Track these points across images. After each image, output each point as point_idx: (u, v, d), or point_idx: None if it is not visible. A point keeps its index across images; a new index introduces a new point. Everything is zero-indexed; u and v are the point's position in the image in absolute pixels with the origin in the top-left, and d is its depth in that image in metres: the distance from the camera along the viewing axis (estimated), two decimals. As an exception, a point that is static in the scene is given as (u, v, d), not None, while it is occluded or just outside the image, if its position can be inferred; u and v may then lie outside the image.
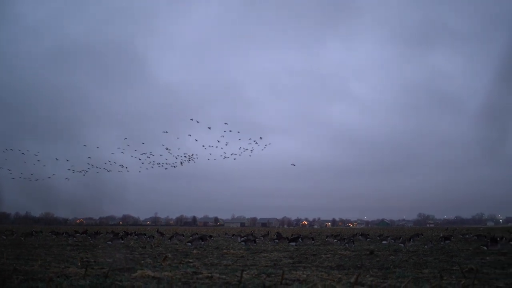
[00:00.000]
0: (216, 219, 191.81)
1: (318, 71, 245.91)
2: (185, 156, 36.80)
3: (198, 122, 35.21)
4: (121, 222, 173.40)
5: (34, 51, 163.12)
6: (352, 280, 8.24)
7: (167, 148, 36.21)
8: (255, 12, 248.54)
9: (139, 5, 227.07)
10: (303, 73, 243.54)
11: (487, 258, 14.31)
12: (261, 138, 37.56)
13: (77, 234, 29.80)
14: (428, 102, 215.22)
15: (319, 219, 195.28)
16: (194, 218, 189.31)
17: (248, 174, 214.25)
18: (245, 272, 9.56)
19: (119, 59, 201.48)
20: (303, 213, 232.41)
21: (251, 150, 37.23)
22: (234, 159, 37.95)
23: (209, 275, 9.24)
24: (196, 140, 36.97)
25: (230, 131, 35.63)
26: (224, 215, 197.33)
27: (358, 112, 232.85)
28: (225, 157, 37.54)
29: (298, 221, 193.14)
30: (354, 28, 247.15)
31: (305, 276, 9.31)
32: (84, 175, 35.84)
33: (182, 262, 12.73)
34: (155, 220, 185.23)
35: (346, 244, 21.29)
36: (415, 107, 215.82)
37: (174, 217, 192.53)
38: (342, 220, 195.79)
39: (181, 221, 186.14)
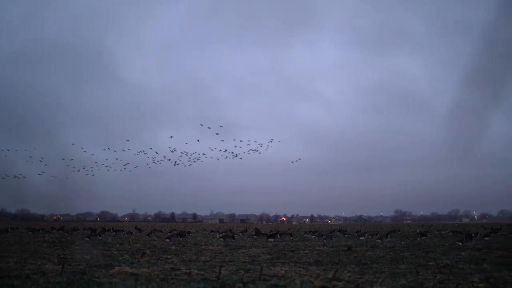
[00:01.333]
0: (194, 216, 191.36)
1: (285, 72, 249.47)
2: (194, 155, 37.18)
3: (209, 128, 35.14)
4: (98, 219, 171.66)
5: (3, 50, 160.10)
6: (330, 275, 8.30)
7: (172, 150, 36.35)
8: (221, 15, 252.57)
9: (108, 5, 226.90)
10: (270, 74, 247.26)
11: (462, 253, 14.54)
12: (272, 140, 38.70)
13: (54, 231, 29.36)
14: (393, 102, 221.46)
15: (297, 215, 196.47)
16: (172, 215, 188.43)
17: (226, 171, 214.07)
18: (223, 268, 9.55)
19: (88, 58, 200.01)
20: (282, 210, 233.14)
21: (256, 150, 38.08)
22: (240, 158, 38.54)
23: (187, 271, 9.22)
24: (212, 148, 37.20)
25: (222, 140, 35.95)
26: (202, 212, 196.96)
27: (327, 112, 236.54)
28: (226, 157, 38.07)
29: (277, 217, 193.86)
30: (317, 31, 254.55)
31: (283, 272, 9.34)
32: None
33: (160, 258, 12.68)
34: (133, 217, 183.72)
35: (324, 240, 21.46)
36: (382, 107, 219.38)
37: (152, 213, 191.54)
38: (320, 217, 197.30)
39: (160, 218, 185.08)
